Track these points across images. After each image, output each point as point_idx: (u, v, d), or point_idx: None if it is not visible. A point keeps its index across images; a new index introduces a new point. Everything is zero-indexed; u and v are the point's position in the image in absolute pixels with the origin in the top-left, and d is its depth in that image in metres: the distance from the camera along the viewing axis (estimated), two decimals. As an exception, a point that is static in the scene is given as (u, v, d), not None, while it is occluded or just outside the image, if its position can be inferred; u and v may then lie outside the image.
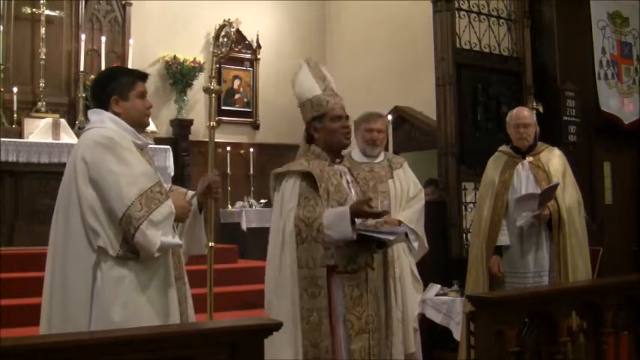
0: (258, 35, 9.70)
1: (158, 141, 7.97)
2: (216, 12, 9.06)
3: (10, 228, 6.70)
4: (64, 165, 2.85)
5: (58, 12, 7.99)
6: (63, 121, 7.52)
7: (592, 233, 4.99)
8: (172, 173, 7.56)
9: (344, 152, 3.34)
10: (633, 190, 7.23)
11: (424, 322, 5.10)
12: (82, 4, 8.19)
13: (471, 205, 6.08)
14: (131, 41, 8.45)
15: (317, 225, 2.98)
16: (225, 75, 9.55)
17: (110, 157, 2.67)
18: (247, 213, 8.80)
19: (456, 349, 4.80)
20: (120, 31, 8.50)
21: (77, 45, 8.07)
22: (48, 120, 7.41)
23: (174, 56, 9.02)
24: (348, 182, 3.24)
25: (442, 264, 5.92)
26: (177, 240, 2.77)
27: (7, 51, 7.66)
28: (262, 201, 8.93)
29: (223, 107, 9.43)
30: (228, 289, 6.12)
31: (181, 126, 9.02)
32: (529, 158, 4.52)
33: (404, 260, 4.38)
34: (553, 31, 6.75)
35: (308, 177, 3.08)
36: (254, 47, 9.74)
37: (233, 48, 9.53)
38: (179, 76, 9.00)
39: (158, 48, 9.03)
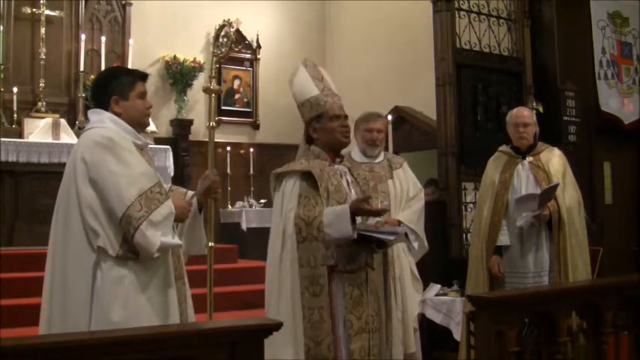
0: (258, 35, 9.70)
1: (158, 141, 7.97)
2: (216, 12, 9.08)
3: (10, 228, 6.70)
4: (64, 165, 2.85)
5: (58, 12, 7.99)
6: (63, 121, 7.53)
7: (592, 233, 4.99)
8: (172, 173, 7.56)
9: (344, 152, 3.34)
10: (633, 190, 7.23)
11: (424, 322, 5.10)
12: (82, 4, 8.19)
13: (471, 205, 6.08)
14: (131, 41, 8.45)
15: (317, 223, 2.98)
16: (225, 75, 9.55)
17: (110, 157, 2.67)
18: (247, 213, 8.79)
19: (456, 349, 4.80)
20: (120, 31, 8.50)
21: (77, 45, 8.07)
22: (48, 120, 7.42)
23: (174, 56, 9.02)
24: (348, 182, 3.24)
25: (442, 264, 5.91)
26: (176, 240, 2.78)
27: (7, 51, 7.66)
28: (262, 201, 8.93)
29: (223, 107, 9.43)
30: (228, 289, 6.13)
31: (181, 126, 9.02)
32: (529, 158, 4.52)
33: (404, 260, 4.39)
34: (553, 31, 6.74)
35: (308, 176, 3.08)
36: (254, 47, 9.73)
37: (233, 48, 9.52)
38: (179, 76, 8.99)
39: (158, 48, 9.03)
